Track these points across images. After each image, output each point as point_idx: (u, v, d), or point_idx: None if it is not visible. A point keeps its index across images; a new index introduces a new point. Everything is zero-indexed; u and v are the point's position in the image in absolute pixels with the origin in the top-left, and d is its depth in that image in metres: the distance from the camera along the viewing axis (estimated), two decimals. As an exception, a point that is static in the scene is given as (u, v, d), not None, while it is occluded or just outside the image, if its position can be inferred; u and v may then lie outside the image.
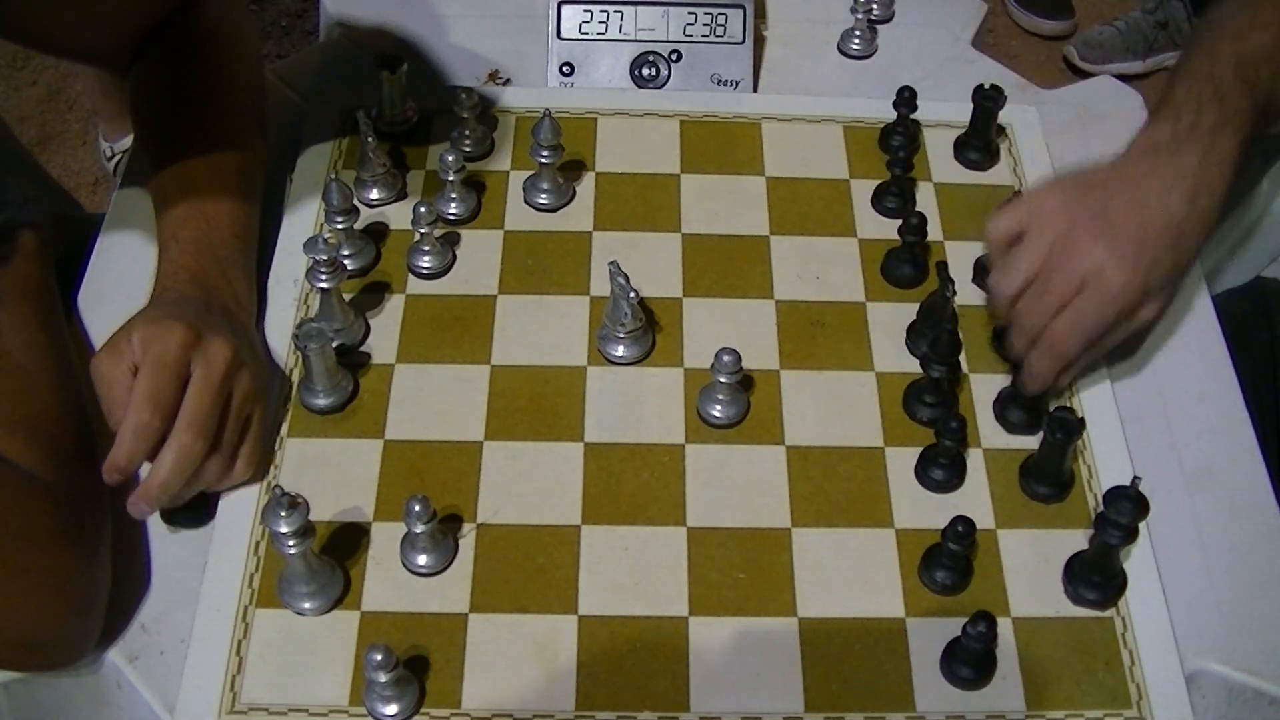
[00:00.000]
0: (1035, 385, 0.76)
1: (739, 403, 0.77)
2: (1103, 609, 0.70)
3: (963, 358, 0.80)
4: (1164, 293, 0.75)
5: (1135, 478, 0.68)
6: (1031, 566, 0.72)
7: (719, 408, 0.77)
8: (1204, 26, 0.83)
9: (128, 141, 1.77)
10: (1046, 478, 0.75)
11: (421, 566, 0.70)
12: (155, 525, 0.72)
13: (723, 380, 0.75)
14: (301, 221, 0.86)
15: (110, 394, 0.67)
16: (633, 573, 0.71)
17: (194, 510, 0.72)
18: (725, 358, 0.74)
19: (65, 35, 0.80)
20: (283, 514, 0.64)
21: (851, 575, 0.71)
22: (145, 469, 0.68)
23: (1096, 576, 0.70)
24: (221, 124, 0.83)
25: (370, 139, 0.86)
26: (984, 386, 0.80)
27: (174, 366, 0.67)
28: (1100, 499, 0.68)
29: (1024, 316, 0.75)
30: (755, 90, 0.98)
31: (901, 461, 0.76)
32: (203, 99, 0.83)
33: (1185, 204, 0.73)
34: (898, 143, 0.92)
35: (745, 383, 0.79)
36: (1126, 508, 0.67)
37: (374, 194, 0.88)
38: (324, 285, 0.76)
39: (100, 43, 0.83)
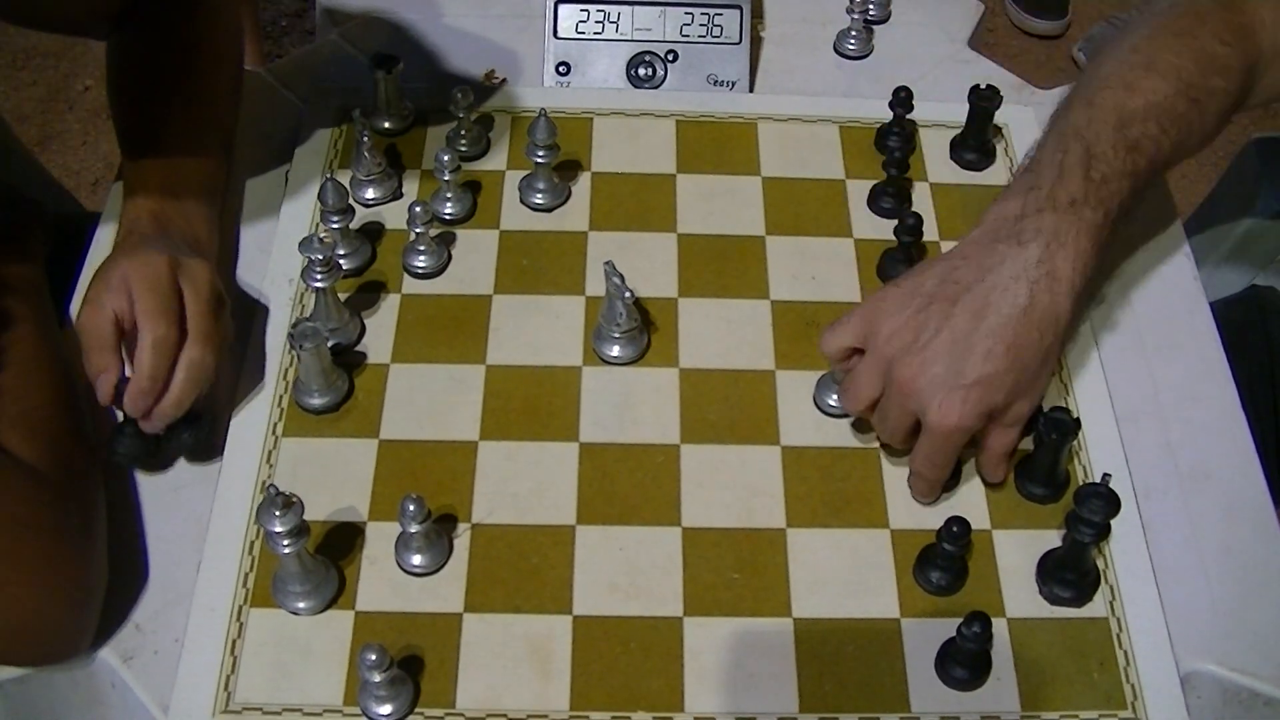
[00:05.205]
0: (926, 498, 0.74)
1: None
2: (1078, 605, 0.70)
3: (958, 358, 0.79)
4: (1025, 400, 0.70)
5: (1105, 475, 0.68)
6: (1026, 567, 0.72)
7: (835, 398, 0.78)
8: (1088, 73, 0.75)
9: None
10: (1041, 478, 0.74)
11: (416, 566, 0.70)
12: (151, 525, 0.72)
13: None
14: (297, 221, 0.86)
15: (96, 343, 0.69)
16: (627, 573, 0.71)
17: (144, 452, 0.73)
18: None
19: (48, 10, 0.83)
20: (277, 513, 0.64)
21: (846, 576, 0.71)
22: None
23: (1069, 574, 0.70)
24: (196, 87, 0.84)
25: (366, 138, 0.86)
26: (979, 387, 0.80)
27: (168, 285, 0.69)
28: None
29: (883, 437, 0.74)
30: (751, 90, 0.98)
31: (897, 462, 0.76)
32: (179, 65, 0.84)
33: (1022, 310, 0.68)
34: (894, 143, 0.92)
35: None
36: (1098, 505, 0.67)
37: (369, 193, 0.88)
38: (319, 285, 0.76)
39: (81, 17, 0.84)
